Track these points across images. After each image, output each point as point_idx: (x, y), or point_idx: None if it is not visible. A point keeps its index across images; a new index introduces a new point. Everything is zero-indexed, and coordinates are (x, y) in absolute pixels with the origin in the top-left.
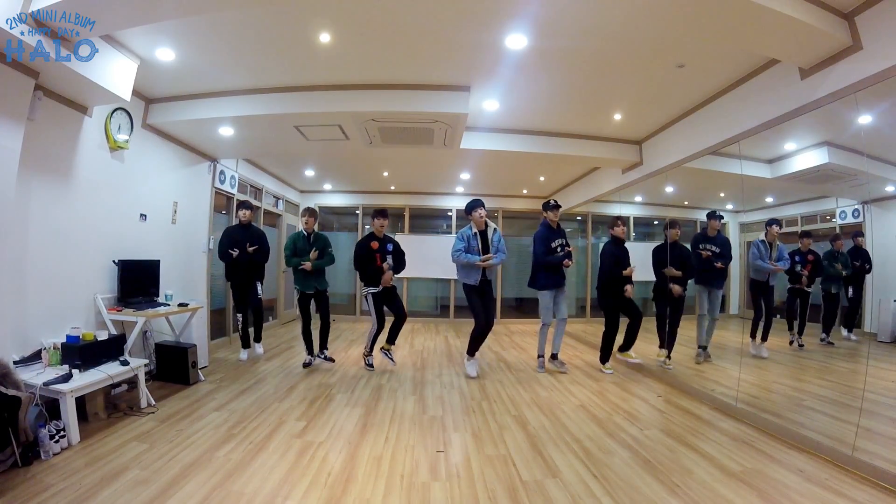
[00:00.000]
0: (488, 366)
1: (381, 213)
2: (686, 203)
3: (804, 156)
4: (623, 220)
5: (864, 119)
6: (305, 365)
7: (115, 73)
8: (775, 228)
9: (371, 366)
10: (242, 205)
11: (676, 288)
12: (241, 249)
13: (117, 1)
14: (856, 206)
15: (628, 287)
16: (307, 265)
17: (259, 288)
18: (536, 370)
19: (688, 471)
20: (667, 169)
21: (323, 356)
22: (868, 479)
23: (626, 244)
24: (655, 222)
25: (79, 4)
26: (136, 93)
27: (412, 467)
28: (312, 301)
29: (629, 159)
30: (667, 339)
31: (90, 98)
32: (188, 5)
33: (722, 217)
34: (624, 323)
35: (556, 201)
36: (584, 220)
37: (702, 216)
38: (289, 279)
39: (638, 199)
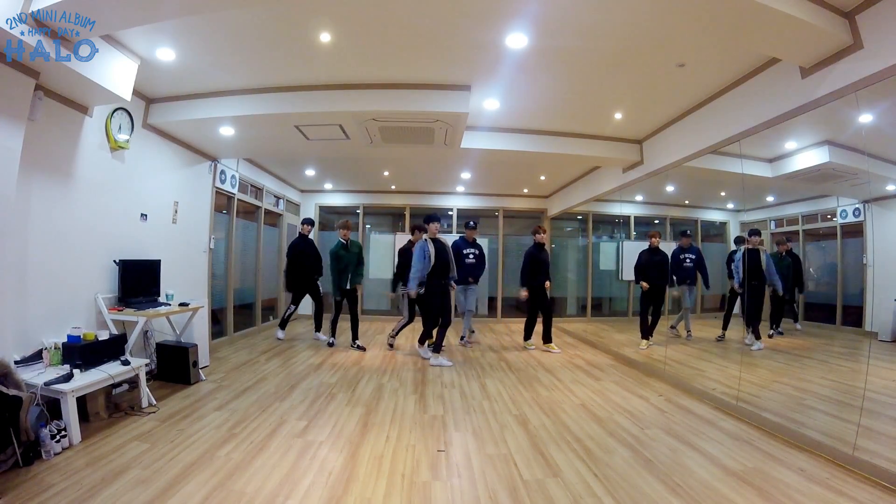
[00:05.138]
0: (489, 365)
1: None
2: (687, 202)
3: (805, 155)
4: (544, 229)
5: (865, 118)
6: (330, 344)
7: (115, 72)
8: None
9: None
10: (305, 220)
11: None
12: (307, 260)
13: (117, 1)
14: (856, 205)
15: (547, 283)
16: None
17: (319, 285)
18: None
19: (689, 470)
20: (667, 168)
21: (355, 346)
22: (869, 479)
23: (626, 244)
24: (656, 221)
25: (79, 4)
26: (136, 93)
27: (413, 466)
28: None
29: (630, 158)
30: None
31: (90, 98)
32: (188, 5)
33: (692, 235)
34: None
35: (475, 223)
36: (585, 220)
37: (702, 216)
38: None
39: (639, 198)
